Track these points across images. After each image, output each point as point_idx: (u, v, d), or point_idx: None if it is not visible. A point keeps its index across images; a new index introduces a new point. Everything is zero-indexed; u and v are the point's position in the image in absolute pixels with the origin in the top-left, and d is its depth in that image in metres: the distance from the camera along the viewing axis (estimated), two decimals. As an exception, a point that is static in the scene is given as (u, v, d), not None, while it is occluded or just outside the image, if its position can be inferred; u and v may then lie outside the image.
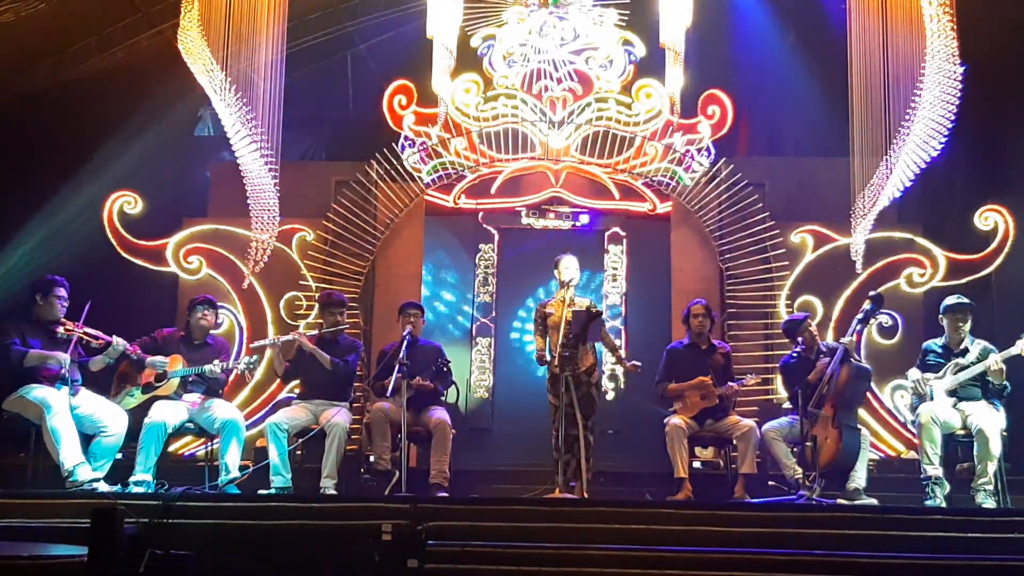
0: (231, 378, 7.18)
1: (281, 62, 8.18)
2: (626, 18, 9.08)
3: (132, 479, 6.42)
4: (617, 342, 9.27)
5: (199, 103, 9.68)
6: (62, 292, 6.60)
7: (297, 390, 7.55)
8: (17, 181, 8.74)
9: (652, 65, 9.09)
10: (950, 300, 6.88)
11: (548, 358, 6.74)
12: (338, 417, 6.85)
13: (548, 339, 6.86)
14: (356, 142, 9.95)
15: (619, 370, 9.37)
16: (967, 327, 6.74)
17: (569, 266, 7.04)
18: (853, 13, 7.91)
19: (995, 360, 6.42)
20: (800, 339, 7.12)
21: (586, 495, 6.57)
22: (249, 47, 8.06)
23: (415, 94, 9.07)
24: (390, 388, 6.75)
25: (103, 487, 6.21)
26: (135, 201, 8.83)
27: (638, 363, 7.04)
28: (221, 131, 8.61)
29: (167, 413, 6.63)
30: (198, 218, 9.27)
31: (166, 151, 9.42)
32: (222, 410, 6.87)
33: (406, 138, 9.04)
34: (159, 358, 6.79)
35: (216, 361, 6.85)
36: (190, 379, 6.85)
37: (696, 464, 7.88)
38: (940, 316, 6.88)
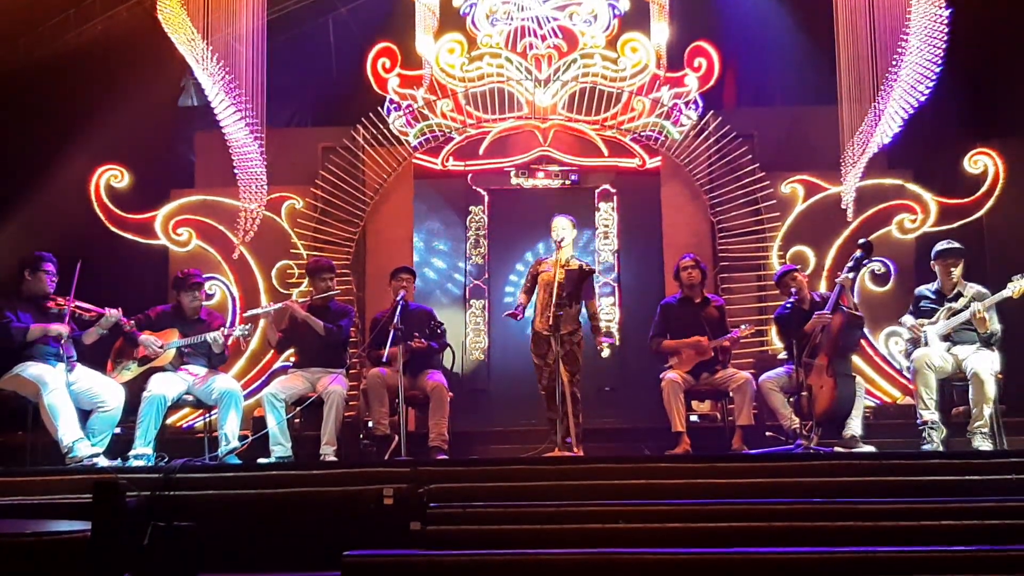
0: (228, 344, 7.16)
1: (262, 29, 8.07)
2: (608, -29, 8.98)
3: (132, 453, 6.44)
4: (611, 299, 9.35)
5: (181, 73, 9.58)
6: (50, 267, 6.57)
7: (293, 359, 7.55)
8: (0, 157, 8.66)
9: (636, 19, 9.00)
10: (940, 245, 6.88)
11: (530, 315, 6.91)
12: (335, 384, 6.86)
13: (536, 298, 7.05)
14: (342, 107, 9.86)
15: (614, 327, 9.38)
16: (959, 271, 6.74)
17: (557, 226, 7.09)
18: (838, -42, 7.84)
19: (978, 308, 6.41)
20: (793, 289, 7.11)
21: (578, 451, 6.62)
22: (229, 15, 7.96)
23: (399, 56, 8.98)
24: (385, 356, 6.76)
25: (103, 462, 6.23)
26: (121, 174, 8.77)
27: (609, 340, 7.13)
28: (205, 101, 8.52)
29: (166, 386, 6.63)
30: (186, 189, 9.22)
31: (151, 123, 9.32)
32: (220, 381, 6.89)
33: (391, 101, 8.96)
34: (152, 338, 6.78)
35: (221, 329, 6.89)
36: (186, 350, 6.84)
37: (693, 418, 7.93)
38: (932, 262, 6.88)
